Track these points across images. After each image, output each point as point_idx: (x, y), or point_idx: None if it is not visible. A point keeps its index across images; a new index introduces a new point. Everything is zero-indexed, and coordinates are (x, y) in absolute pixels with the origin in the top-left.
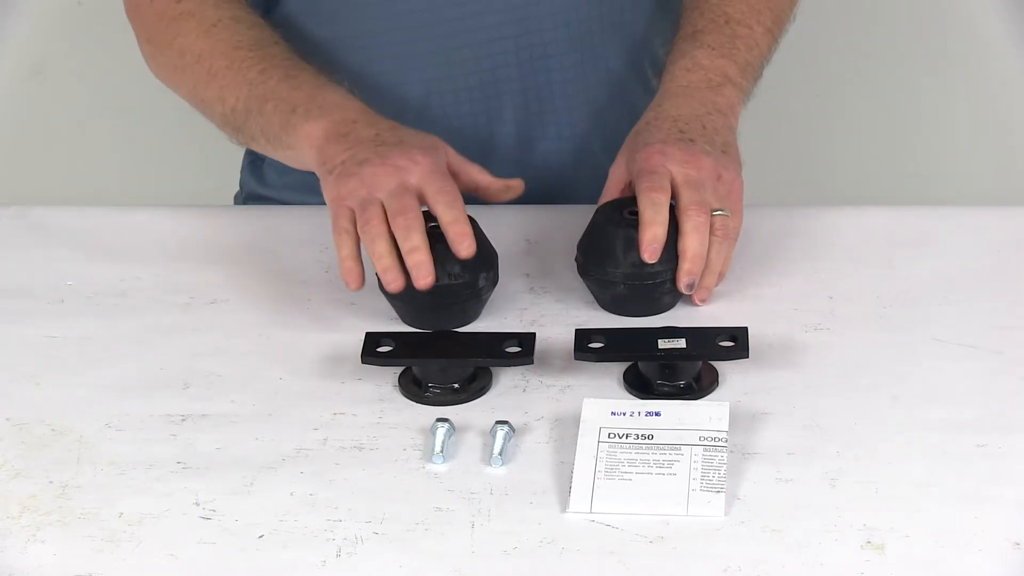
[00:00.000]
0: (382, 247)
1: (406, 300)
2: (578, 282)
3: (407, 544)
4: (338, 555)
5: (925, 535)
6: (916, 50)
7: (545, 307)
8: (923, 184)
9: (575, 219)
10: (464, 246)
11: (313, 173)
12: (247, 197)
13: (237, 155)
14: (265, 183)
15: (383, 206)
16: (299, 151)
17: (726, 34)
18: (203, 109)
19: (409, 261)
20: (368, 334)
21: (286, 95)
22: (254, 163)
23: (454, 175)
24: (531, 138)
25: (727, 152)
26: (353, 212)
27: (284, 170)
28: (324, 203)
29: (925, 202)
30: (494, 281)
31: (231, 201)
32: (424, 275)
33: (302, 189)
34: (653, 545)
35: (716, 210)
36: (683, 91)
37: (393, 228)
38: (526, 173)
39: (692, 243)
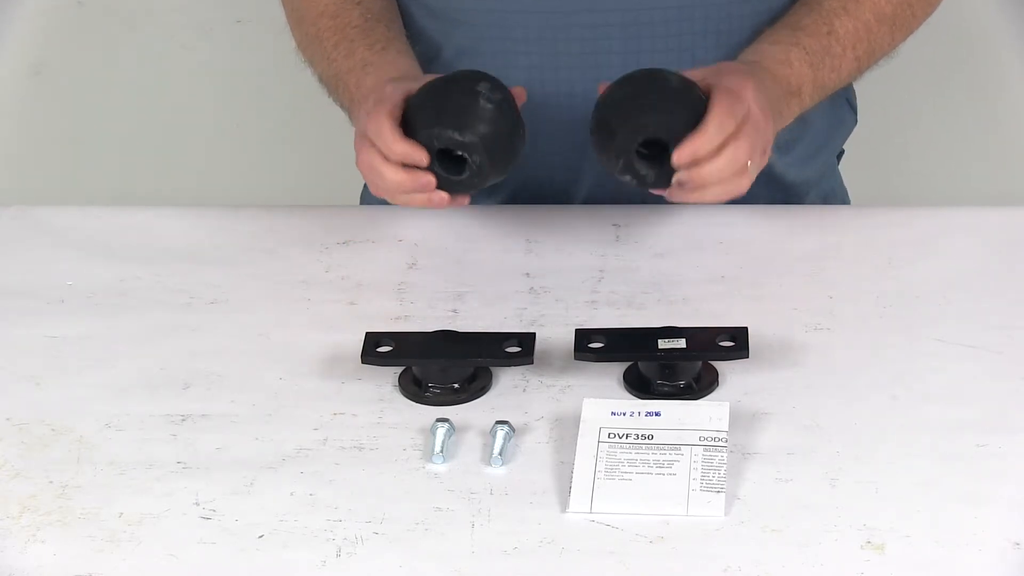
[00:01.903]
0: (400, 199)
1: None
2: (577, 282)
3: (407, 544)
4: (338, 555)
5: (925, 535)
6: (915, 50)
7: (545, 307)
8: (923, 184)
9: (575, 219)
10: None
11: None
12: None
13: (235, 156)
14: None
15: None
16: None
17: (823, 45)
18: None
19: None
20: (368, 334)
21: (347, 80)
22: None
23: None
24: None
25: (768, 151)
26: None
27: None
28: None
29: (925, 202)
30: (510, 115)
31: (231, 200)
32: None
33: None
34: (653, 545)
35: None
36: (771, 77)
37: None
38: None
39: (720, 163)
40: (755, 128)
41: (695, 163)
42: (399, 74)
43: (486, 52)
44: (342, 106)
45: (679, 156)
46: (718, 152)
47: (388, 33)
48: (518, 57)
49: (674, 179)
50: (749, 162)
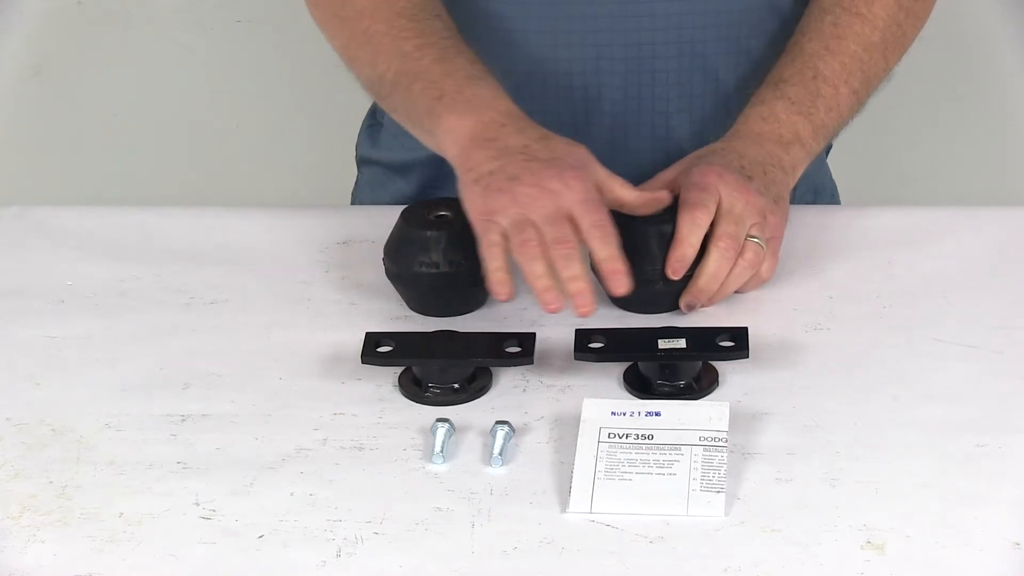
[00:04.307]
0: (540, 268)
1: (407, 284)
2: None
3: (407, 544)
4: (338, 555)
5: (925, 535)
6: (916, 50)
7: None
8: (923, 184)
9: None
10: (619, 283)
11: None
12: (361, 160)
13: (235, 156)
14: (379, 146)
15: (538, 229)
16: (439, 140)
17: (810, 90)
18: (351, 66)
19: (571, 288)
20: (368, 334)
21: (436, 79)
22: (373, 127)
23: (599, 191)
24: (626, 135)
25: (778, 203)
26: (503, 228)
27: (400, 132)
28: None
29: (925, 202)
30: None
31: (231, 200)
32: (584, 304)
33: (414, 148)
34: (653, 545)
35: (752, 237)
36: (754, 138)
37: (552, 255)
38: (615, 168)
39: (710, 269)
40: (731, 214)
41: (685, 261)
42: (506, 107)
43: (491, 42)
44: (397, 108)
45: (671, 270)
46: (704, 259)
47: (475, 58)
48: (518, 47)
49: (681, 304)
50: (751, 244)
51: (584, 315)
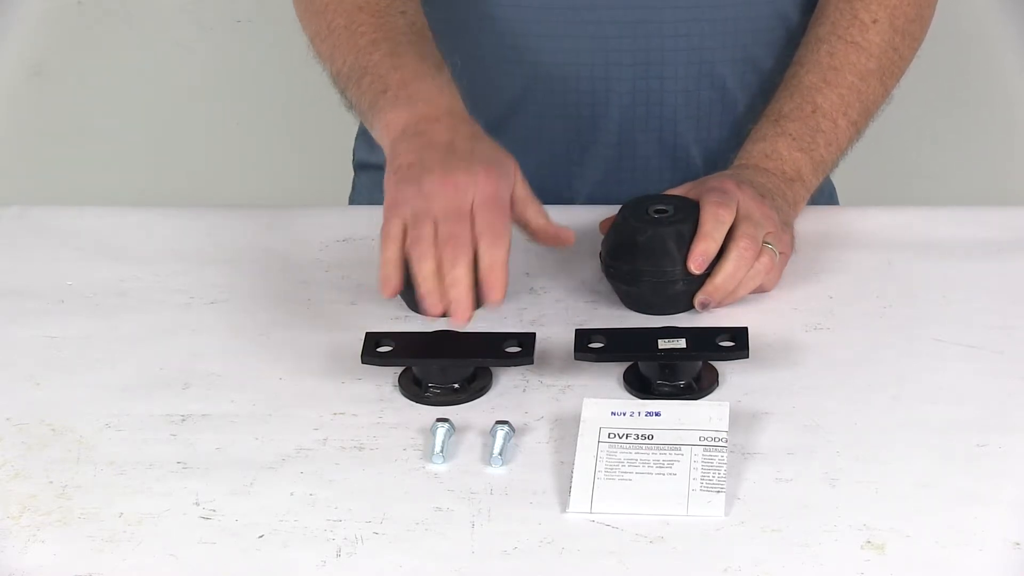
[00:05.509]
0: (427, 268)
1: (408, 284)
2: (577, 282)
3: (407, 544)
4: (338, 555)
5: (925, 535)
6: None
7: (545, 307)
8: (923, 184)
9: (574, 219)
10: (493, 293)
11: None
12: (358, 166)
13: (234, 156)
14: (376, 150)
15: (435, 225)
16: (378, 134)
17: (810, 126)
18: (319, 61)
19: (449, 294)
20: (368, 334)
21: (384, 73)
22: (367, 131)
23: (512, 204)
24: (633, 141)
25: (785, 229)
26: (404, 220)
27: None
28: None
29: (925, 202)
30: None
31: (231, 200)
32: (461, 312)
33: None
34: (653, 545)
35: (767, 243)
36: (760, 171)
37: (440, 253)
38: (622, 174)
39: (729, 268)
40: (750, 219)
41: (708, 255)
42: (448, 103)
43: (497, 45)
44: (352, 104)
45: (694, 264)
46: (723, 258)
47: (437, 54)
48: (524, 52)
49: (695, 302)
50: (767, 249)
51: (459, 324)
